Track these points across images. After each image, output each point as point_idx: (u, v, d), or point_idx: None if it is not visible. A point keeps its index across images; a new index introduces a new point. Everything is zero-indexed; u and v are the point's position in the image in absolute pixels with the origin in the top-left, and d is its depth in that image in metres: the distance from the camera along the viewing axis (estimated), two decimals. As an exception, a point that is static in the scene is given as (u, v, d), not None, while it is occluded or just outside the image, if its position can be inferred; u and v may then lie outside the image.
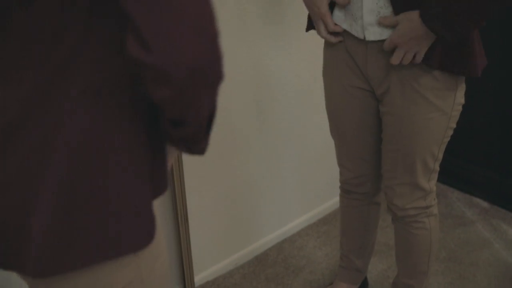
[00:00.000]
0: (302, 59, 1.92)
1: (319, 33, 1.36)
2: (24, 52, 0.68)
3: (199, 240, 1.84)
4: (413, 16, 1.16)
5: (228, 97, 1.75)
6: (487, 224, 2.21)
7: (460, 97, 1.30)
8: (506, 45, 2.13)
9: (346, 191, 1.62)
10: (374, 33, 1.25)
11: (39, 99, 0.68)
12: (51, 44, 0.66)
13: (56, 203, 0.68)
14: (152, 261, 0.79)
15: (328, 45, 1.42)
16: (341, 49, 1.36)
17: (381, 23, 1.23)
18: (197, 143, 0.77)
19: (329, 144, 1.63)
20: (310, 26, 1.41)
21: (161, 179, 0.78)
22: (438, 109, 1.28)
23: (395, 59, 1.22)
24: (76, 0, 0.64)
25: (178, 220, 1.71)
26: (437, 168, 1.39)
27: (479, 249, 2.07)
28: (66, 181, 0.68)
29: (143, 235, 0.74)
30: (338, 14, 1.32)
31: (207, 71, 0.63)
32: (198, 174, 1.75)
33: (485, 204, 2.34)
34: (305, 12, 1.42)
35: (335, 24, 1.32)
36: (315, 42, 1.57)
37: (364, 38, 1.27)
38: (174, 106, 0.67)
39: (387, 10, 1.22)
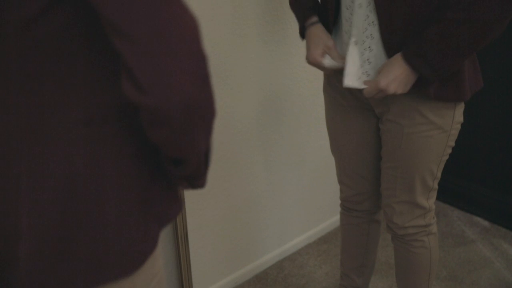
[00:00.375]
0: (303, 77, 1.94)
1: (324, 66, 1.36)
2: (12, 82, 0.68)
3: (199, 259, 1.84)
4: (396, 57, 1.19)
5: (229, 116, 1.76)
6: (488, 243, 2.21)
7: (459, 116, 1.31)
8: (505, 64, 2.15)
9: (346, 208, 1.62)
10: (353, 82, 1.27)
11: (29, 128, 0.68)
12: (41, 76, 0.66)
13: (46, 231, 0.68)
14: (149, 280, 0.79)
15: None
16: (340, 71, 1.37)
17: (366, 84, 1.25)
18: (198, 179, 0.79)
19: (330, 161, 1.64)
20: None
21: (165, 205, 0.78)
22: (437, 127, 1.28)
23: (377, 98, 1.25)
24: (68, 36, 0.64)
25: (178, 238, 1.71)
26: (436, 186, 1.40)
27: (480, 268, 2.06)
28: (58, 209, 0.68)
29: (137, 259, 0.74)
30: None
31: (202, 110, 0.64)
32: (198, 192, 1.75)
33: (485, 223, 2.34)
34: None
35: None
36: None
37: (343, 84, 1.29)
38: (172, 145, 0.68)
39: (369, 66, 1.25)
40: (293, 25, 1.84)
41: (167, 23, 0.59)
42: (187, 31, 0.60)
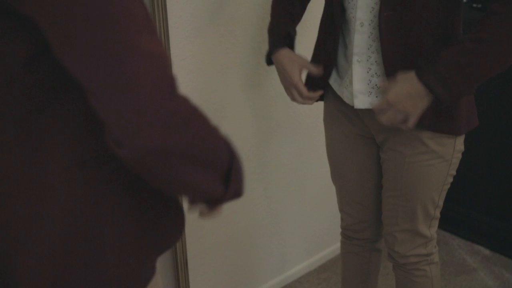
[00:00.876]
0: (303, 105, 1.94)
1: (293, 100, 1.38)
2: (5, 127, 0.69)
3: (198, 286, 1.82)
4: (409, 74, 1.15)
5: (231, 121, 1.76)
6: (489, 272, 2.19)
7: (460, 144, 1.31)
8: (506, 93, 2.16)
9: (347, 237, 1.61)
10: (363, 102, 1.28)
11: (24, 173, 0.68)
12: (34, 120, 0.67)
13: (44, 271, 0.68)
14: None
15: (327, 95, 1.44)
16: (340, 100, 1.38)
17: (380, 87, 1.23)
18: (216, 202, 0.79)
19: (330, 189, 1.64)
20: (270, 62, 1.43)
21: (163, 232, 0.78)
22: (438, 156, 1.29)
23: (387, 119, 1.18)
24: (55, 84, 0.66)
25: (177, 266, 1.70)
26: (438, 215, 1.39)
27: (481, 297, 2.04)
28: (57, 250, 0.68)
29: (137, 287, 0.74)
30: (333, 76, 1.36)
31: (181, 154, 0.65)
32: (198, 220, 1.74)
33: (486, 251, 2.32)
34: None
35: (308, 91, 1.35)
36: None
37: (354, 106, 1.30)
38: (161, 184, 0.69)
39: (378, 79, 1.25)
40: None
41: (133, 79, 0.59)
42: (155, 82, 0.61)
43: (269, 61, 1.42)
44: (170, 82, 0.63)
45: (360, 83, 1.27)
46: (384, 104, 1.17)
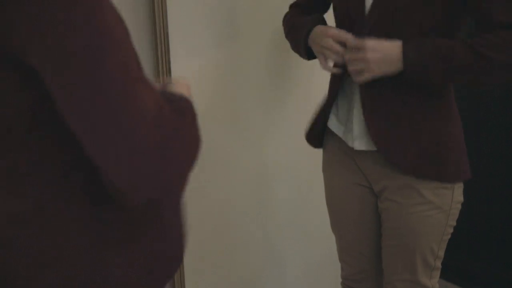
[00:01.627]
0: (301, 150, 1.93)
1: (326, 65, 1.32)
2: None
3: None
4: (396, 41, 1.18)
5: (225, 192, 1.76)
6: (493, 323, 2.15)
7: (458, 195, 1.32)
8: (502, 142, 2.18)
9: (347, 287, 1.60)
10: (361, 144, 1.31)
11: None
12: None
13: None
14: None
15: (326, 143, 1.46)
16: (339, 148, 1.41)
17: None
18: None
19: (331, 238, 1.63)
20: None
21: (163, 268, 0.78)
22: (436, 206, 1.29)
23: (351, 57, 1.20)
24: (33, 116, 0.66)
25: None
26: (439, 265, 1.38)
27: None
28: None
29: None
30: (332, 119, 1.39)
31: (175, 188, 0.69)
32: (197, 270, 1.73)
33: (489, 302, 2.29)
34: (304, 110, 1.47)
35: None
36: None
37: (354, 147, 1.33)
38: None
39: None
40: (291, 92, 1.88)
41: (129, 131, 0.60)
42: (146, 125, 0.62)
43: (308, 52, 1.37)
44: (164, 122, 0.64)
45: (360, 126, 1.30)
46: (360, 44, 1.18)
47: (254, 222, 1.88)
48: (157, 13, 1.43)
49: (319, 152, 1.54)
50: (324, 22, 1.38)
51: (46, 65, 0.59)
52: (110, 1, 0.62)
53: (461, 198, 1.33)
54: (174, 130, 0.65)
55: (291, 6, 1.53)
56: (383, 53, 1.17)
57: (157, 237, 0.77)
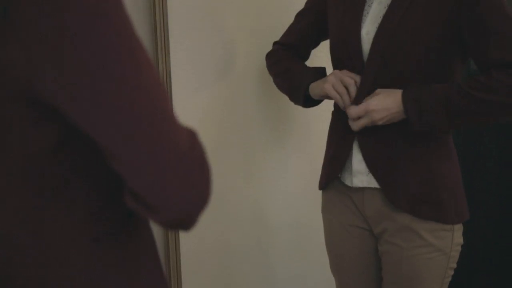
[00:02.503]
0: (301, 196, 1.94)
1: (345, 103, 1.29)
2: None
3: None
4: (396, 90, 1.22)
5: (225, 240, 1.75)
6: None
7: (458, 237, 1.31)
8: (503, 184, 2.19)
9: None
10: (362, 181, 1.31)
11: (36, 248, 0.69)
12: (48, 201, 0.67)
13: None
14: None
15: (326, 185, 1.45)
16: (338, 189, 1.40)
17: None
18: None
19: (330, 281, 1.61)
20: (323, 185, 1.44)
21: None
22: (436, 249, 1.28)
23: (358, 126, 1.24)
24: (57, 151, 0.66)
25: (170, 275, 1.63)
26: (441, 308, 1.36)
27: None
28: None
29: None
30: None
31: (206, 204, 0.67)
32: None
33: None
34: (307, 160, 1.48)
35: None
36: (315, 178, 1.56)
37: (352, 184, 1.33)
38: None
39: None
40: (291, 132, 1.88)
41: (159, 143, 0.60)
42: (181, 147, 0.62)
43: (307, 100, 1.40)
44: (197, 144, 0.65)
45: (360, 164, 1.31)
46: (363, 111, 1.22)
47: (254, 264, 1.86)
48: (160, 58, 1.45)
49: (318, 191, 1.53)
50: (325, 74, 1.40)
51: (71, 102, 0.59)
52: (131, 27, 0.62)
53: (461, 240, 1.32)
54: (201, 153, 0.66)
55: (276, 43, 1.53)
56: (388, 112, 1.21)
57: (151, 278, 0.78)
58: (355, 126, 1.26)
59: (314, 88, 1.36)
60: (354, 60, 1.28)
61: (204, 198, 0.65)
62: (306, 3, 1.49)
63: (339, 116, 1.36)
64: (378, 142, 1.28)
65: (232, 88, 1.69)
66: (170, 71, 1.47)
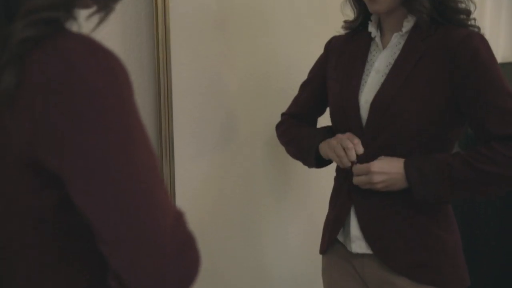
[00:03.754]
0: (300, 252, 1.94)
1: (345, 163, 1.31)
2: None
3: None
4: (399, 159, 1.24)
5: (224, 281, 1.74)
6: None
7: None
8: (502, 252, 2.20)
9: None
10: (360, 246, 1.32)
11: None
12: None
13: None
14: None
15: (326, 249, 1.45)
16: (339, 254, 1.41)
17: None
18: None
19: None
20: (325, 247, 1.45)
21: None
22: None
23: (359, 182, 1.26)
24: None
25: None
26: None
27: None
28: None
29: None
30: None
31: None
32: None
33: None
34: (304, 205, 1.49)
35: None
36: (317, 233, 1.56)
37: (352, 250, 1.33)
38: None
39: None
40: (289, 195, 1.89)
41: (141, 231, 0.62)
42: (162, 236, 0.63)
43: (319, 161, 1.41)
44: (177, 219, 0.66)
45: (358, 229, 1.32)
46: (365, 171, 1.25)
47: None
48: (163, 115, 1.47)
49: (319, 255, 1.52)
50: (332, 134, 1.41)
51: (70, 174, 0.61)
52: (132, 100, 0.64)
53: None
54: (185, 238, 0.67)
55: (284, 114, 1.56)
56: (388, 176, 1.24)
57: None
58: (355, 180, 1.28)
59: (322, 149, 1.39)
60: (353, 127, 1.31)
61: (185, 282, 0.66)
62: (309, 74, 1.54)
63: (340, 182, 1.38)
64: (373, 208, 1.29)
65: (227, 156, 1.70)
66: (172, 137, 1.49)
